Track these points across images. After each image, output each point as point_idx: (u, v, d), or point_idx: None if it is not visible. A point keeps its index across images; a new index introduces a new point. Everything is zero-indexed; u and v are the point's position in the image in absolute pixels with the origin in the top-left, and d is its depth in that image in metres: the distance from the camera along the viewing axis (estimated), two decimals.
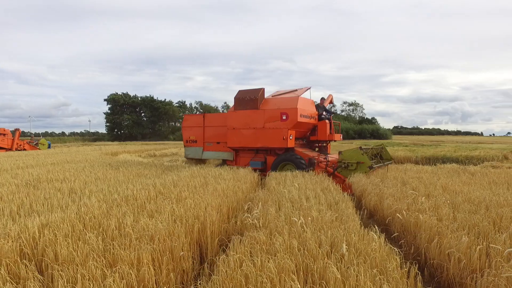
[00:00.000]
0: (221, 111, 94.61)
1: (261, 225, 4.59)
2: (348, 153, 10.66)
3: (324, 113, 13.15)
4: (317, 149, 13.36)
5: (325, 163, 11.14)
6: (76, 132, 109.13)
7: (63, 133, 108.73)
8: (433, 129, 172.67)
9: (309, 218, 4.63)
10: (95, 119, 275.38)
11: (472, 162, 18.68)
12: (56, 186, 7.85)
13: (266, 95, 12.91)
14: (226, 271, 2.87)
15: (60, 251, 3.27)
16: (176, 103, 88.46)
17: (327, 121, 12.86)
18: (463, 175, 9.67)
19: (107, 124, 79.93)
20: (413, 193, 6.32)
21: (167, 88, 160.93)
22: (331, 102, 13.88)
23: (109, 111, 79.25)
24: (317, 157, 11.79)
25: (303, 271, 3.03)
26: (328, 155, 11.96)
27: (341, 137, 13.97)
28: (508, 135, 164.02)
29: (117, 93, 79.73)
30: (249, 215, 4.72)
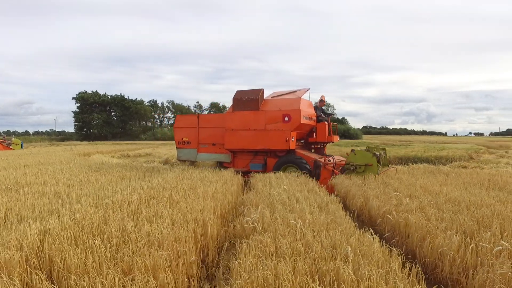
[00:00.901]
0: (193, 110, 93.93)
1: (260, 228, 4.71)
2: (357, 155, 10.53)
3: (322, 114, 13.15)
4: (313, 150, 13.38)
5: (332, 165, 11.05)
6: (42, 131, 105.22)
7: (26, 132, 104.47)
8: (401, 129, 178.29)
9: (307, 221, 4.79)
10: (61, 117, 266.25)
11: (441, 162, 19.53)
12: (39, 190, 7.65)
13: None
14: (244, 275, 2.97)
15: (72, 260, 3.26)
16: (147, 102, 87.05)
17: (326, 122, 12.87)
18: (439, 175, 10.14)
19: (76, 123, 77.67)
20: (397, 195, 6.61)
21: (136, 87, 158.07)
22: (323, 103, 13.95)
23: (77, 110, 76.98)
24: (321, 159, 11.80)
25: (316, 273, 3.18)
26: (334, 157, 11.91)
27: (338, 138, 14.00)
28: (470, 135, 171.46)
29: (86, 92, 77.58)
30: (249, 218, 4.83)
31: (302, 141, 13.26)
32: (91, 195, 6.71)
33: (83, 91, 77.66)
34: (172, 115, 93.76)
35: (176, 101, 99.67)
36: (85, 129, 77.09)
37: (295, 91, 12.94)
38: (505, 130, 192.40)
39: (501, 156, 25.23)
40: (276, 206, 5.90)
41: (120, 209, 5.44)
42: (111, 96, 79.49)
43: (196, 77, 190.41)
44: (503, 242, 3.72)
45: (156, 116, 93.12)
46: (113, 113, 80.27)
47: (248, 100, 12.19)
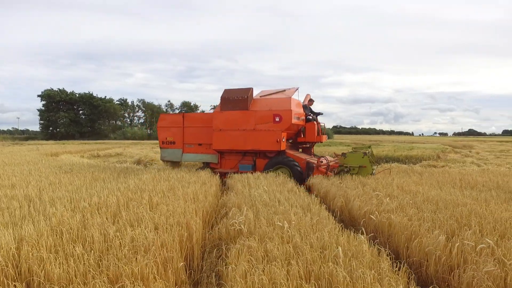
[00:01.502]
0: (164, 109, 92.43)
1: (246, 230, 4.64)
2: (351, 157, 10.55)
3: (310, 114, 12.95)
4: (300, 150, 13.22)
5: (325, 166, 10.96)
6: (3, 130, 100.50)
7: None
8: (370, 128, 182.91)
9: (292, 222, 4.76)
10: (25, 115, 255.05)
11: (411, 162, 20.09)
12: (7, 193, 7.25)
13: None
14: (240, 281, 2.89)
15: (54, 270, 3.08)
16: (117, 101, 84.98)
17: (314, 122, 12.70)
18: (413, 175, 10.40)
19: (41, 122, 74.63)
20: (377, 195, 6.71)
21: (105, 85, 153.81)
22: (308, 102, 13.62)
23: (43, 108, 74.05)
24: (313, 160, 11.70)
25: (310, 276, 3.15)
26: (327, 158, 11.78)
27: (327, 138, 13.85)
28: (435, 135, 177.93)
29: (52, 89, 74.77)
30: (234, 221, 4.74)
31: (291, 141, 13.06)
32: (66, 198, 6.42)
33: (49, 88, 74.87)
34: (143, 114, 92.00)
35: (147, 100, 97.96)
36: (51, 128, 74.28)
37: (284, 90, 12.73)
38: (467, 130, 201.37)
39: (466, 155, 26.29)
40: (259, 207, 5.85)
41: (99, 213, 5.23)
42: (79, 94, 77.02)
43: (167, 75, 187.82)
44: (487, 240, 3.82)
45: (126, 115, 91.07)
46: (81, 112, 77.83)
47: (237, 100, 11.90)
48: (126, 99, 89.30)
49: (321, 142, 13.80)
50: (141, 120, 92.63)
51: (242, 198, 6.65)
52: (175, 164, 13.44)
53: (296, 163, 11.38)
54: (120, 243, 3.75)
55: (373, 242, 5.10)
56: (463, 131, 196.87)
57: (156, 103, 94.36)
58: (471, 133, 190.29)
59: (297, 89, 12.69)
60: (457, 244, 3.76)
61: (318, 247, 3.81)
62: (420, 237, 4.18)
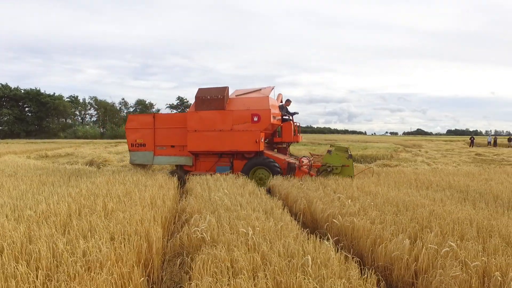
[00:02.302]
0: (118, 107, 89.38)
1: (209, 238, 4.43)
2: (333, 157, 10.47)
3: (286, 114, 12.69)
4: (275, 150, 12.92)
5: (307, 166, 10.81)
6: None
7: None
8: (325, 128, 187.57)
9: (257, 229, 4.61)
10: None
11: (366, 161, 20.67)
12: None
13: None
14: None
15: None
16: (67, 98, 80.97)
17: (291, 122, 12.46)
18: (370, 175, 10.61)
19: None
20: (340, 197, 6.72)
21: (53, 80, 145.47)
22: (281, 101, 13.29)
23: None
24: (293, 160, 11.47)
25: None
26: (309, 158, 11.56)
27: (302, 138, 13.58)
28: (386, 134, 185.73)
29: None
30: (197, 228, 4.51)
31: (266, 141, 12.74)
32: (8, 206, 5.85)
33: None
34: (95, 112, 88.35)
35: (99, 97, 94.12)
36: None
37: (260, 89, 12.41)
38: (416, 130, 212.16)
39: (416, 154, 27.50)
40: (221, 212, 5.65)
41: (47, 223, 4.79)
42: (24, 90, 72.57)
43: (121, 72, 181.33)
44: (450, 243, 3.87)
45: (77, 112, 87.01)
46: (27, 109, 73.38)
47: (212, 99, 11.42)
48: (77, 96, 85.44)
49: (297, 142, 13.57)
50: (94, 119, 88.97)
51: (202, 203, 6.41)
52: (143, 167, 12.68)
53: (277, 164, 11.17)
54: (71, 259, 3.40)
55: (337, 246, 5.08)
56: (412, 130, 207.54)
57: (109, 100, 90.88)
58: (419, 132, 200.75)
59: (273, 88, 12.43)
60: (423, 249, 3.77)
61: (286, 255, 3.68)
62: (385, 242, 4.17)
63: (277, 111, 12.08)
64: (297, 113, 13.01)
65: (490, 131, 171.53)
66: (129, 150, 12.74)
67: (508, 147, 42.14)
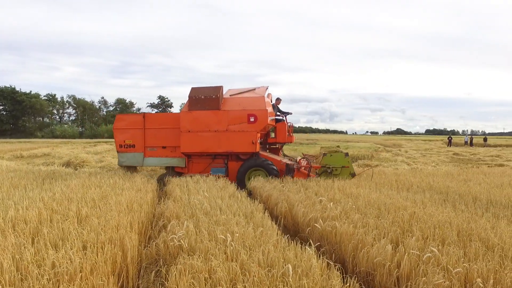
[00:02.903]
0: (97, 106, 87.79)
1: (187, 245, 4.27)
2: (333, 158, 10.33)
3: (279, 113, 12.43)
4: (267, 150, 12.59)
5: (307, 168, 10.57)
6: None
7: None
8: (306, 127, 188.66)
9: (236, 235, 4.48)
10: None
11: None
12: None
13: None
14: None
15: None
16: (44, 96, 78.99)
17: (285, 122, 12.22)
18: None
19: None
20: (322, 199, 6.65)
21: (29, 78, 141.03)
22: (270, 101, 12.84)
23: None
24: (292, 161, 11.25)
25: None
26: (309, 159, 11.45)
27: (295, 138, 13.31)
28: (367, 134, 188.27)
29: None
30: (174, 235, 4.35)
31: (260, 142, 12.31)
32: None
33: None
34: (74, 111, 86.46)
35: (78, 96, 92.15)
36: None
37: (254, 89, 12.13)
38: (395, 129, 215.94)
39: (396, 154, 27.86)
40: (200, 217, 5.49)
41: (14, 231, 4.54)
42: None
43: (100, 70, 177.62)
44: (432, 248, 3.83)
45: (55, 111, 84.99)
46: (1, 107, 71.17)
47: (207, 99, 11.08)
48: (54, 95, 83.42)
49: (291, 143, 13.34)
50: (72, 118, 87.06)
51: (181, 207, 6.23)
52: (131, 169, 12.20)
53: (274, 166, 10.95)
54: (38, 272, 3.20)
55: (319, 252, 4.99)
56: (392, 130, 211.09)
57: (88, 99, 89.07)
58: (399, 132, 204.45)
59: (267, 88, 12.18)
60: (405, 255, 3.71)
61: (266, 265, 3.56)
62: (367, 247, 4.10)
63: (271, 111, 11.86)
64: (290, 113, 12.78)
65: (467, 130, 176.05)
66: (118, 152, 12.21)
67: (484, 146, 43.26)
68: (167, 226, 5.01)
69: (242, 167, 11.06)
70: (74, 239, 4.19)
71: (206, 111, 11.13)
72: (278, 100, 12.90)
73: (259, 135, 11.12)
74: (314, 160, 12.56)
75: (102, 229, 4.65)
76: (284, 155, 12.84)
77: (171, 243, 4.28)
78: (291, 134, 12.65)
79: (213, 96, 11.11)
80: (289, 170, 10.80)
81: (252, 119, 10.97)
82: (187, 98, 11.44)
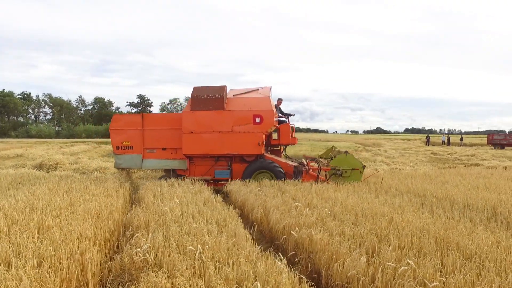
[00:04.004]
0: (75, 105, 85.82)
1: (153, 259, 4.02)
2: (341, 159, 10.22)
3: (281, 114, 12.14)
4: (269, 152, 12.14)
5: (316, 170, 10.31)
6: None
7: None
8: None
9: (206, 246, 4.24)
10: None
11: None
12: None
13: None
14: None
15: None
16: (18, 95, 76.61)
17: (288, 123, 11.93)
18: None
19: None
20: (297, 205, 6.47)
21: (4, 76, 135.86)
22: None
23: None
24: (298, 163, 10.99)
25: None
26: (319, 161, 11.05)
27: (297, 140, 12.86)
28: (347, 133, 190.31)
29: None
30: (139, 249, 4.08)
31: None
32: None
33: None
34: (50, 110, 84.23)
35: (55, 94, 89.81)
36: None
37: (258, 89, 11.81)
38: (375, 128, 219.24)
39: (376, 154, 28.09)
40: (170, 225, 5.24)
41: None
42: None
43: (79, 68, 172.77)
44: (408, 261, 3.69)
45: (30, 110, 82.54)
46: None
47: (210, 99, 10.68)
48: (30, 93, 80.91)
49: (294, 144, 12.98)
50: (48, 117, 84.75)
51: (151, 214, 5.95)
52: (123, 170, 11.77)
53: (281, 168, 10.63)
54: None
55: (295, 259, 4.81)
56: (372, 129, 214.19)
57: (65, 98, 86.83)
58: (379, 131, 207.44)
59: (270, 88, 11.87)
60: (380, 269, 3.56)
61: (234, 281, 3.35)
62: (342, 259, 3.94)
63: (275, 111, 11.52)
64: (293, 114, 12.53)
65: (444, 129, 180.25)
66: (114, 153, 11.65)
67: (460, 145, 44.23)
68: (132, 240, 4.72)
69: (248, 170, 10.70)
70: (30, 255, 3.88)
71: (210, 111, 10.74)
72: (280, 100, 12.61)
73: (265, 136, 10.85)
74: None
75: (62, 241, 4.34)
76: (287, 157, 12.49)
77: (136, 258, 4.02)
78: (293, 135, 12.33)
79: (217, 96, 10.73)
80: (297, 173, 10.50)
81: (258, 120, 10.65)
82: (184, 98, 11.34)
